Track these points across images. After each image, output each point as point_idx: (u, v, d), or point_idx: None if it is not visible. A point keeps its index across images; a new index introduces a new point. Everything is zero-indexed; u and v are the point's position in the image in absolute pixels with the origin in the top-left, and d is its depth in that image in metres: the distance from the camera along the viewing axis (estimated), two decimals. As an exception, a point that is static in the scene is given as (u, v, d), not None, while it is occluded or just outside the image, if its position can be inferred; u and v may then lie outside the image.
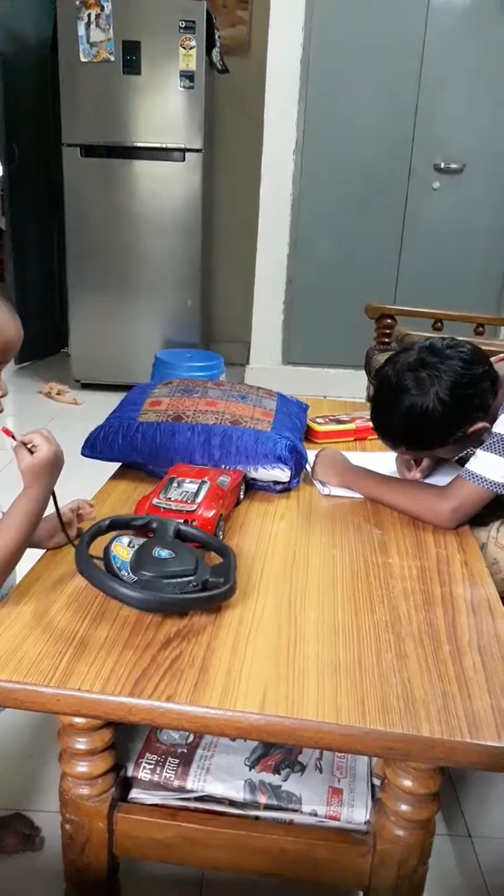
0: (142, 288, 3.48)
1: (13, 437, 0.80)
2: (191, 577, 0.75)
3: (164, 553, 0.78)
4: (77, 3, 3.06)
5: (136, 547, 0.80)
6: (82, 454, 1.18)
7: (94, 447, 1.19)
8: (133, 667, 0.68)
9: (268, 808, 0.82)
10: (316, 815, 0.81)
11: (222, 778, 0.84)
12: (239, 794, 0.82)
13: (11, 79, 3.63)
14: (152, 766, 0.85)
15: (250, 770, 0.85)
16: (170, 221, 3.38)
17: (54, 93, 3.33)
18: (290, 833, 0.79)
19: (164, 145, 3.25)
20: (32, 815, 1.13)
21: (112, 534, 0.85)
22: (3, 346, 0.78)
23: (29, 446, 0.80)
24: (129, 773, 0.85)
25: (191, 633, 0.74)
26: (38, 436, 0.80)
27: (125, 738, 0.87)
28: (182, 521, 0.91)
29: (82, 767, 0.78)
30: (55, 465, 0.81)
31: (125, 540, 0.82)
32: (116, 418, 1.24)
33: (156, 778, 0.84)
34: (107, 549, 0.80)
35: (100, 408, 3.37)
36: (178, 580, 0.75)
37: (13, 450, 0.80)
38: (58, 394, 3.38)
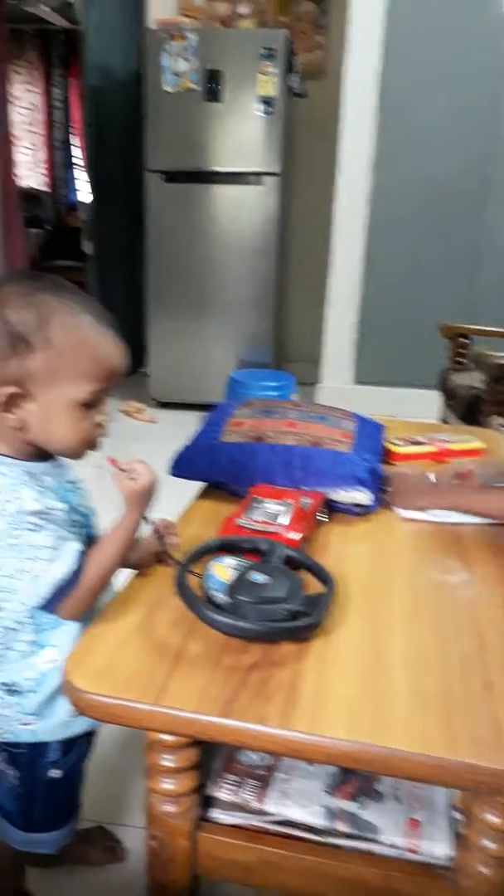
0: (217, 309, 3.55)
1: (116, 465, 0.83)
2: (281, 606, 0.75)
3: (261, 578, 0.78)
4: (163, 36, 3.17)
5: (239, 569, 0.81)
6: (170, 474, 1.21)
7: (181, 467, 1.21)
8: (224, 687, 0.69)
9: (346, 836, 0.82)
10: (395, 846, 0.80)
11: (301, 803, 0.84)
12: (318, 820, 0.82)
13: (100, 110, 3.80)
14: (231, 787, 0.86)
15: (328, 796, 0.85)
16: (246, 244, 3.44)
17: (138, 122, 3.46)
18: (371, 864, 0.78)
19: (243, 170, 3.31)
20: (113, 829, 1.16)
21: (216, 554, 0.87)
22: (109, 374, 0.80)
23: (129, 475, 0.83)
24: (209, 792, 0.86)
25: (278, 656, 0.74)
26: (139, 465, 0.83)
27: (204, 757, 0.88)
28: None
29: (169, 785, 0.79)
30: (151, 493, 0.84)
31: (229, 561, 0.83)
32: (200, 438, 1.26)
33: (235, 799, 0.85)
34: (206, 569, 0.82)
35: (176, 426, 3.47)
36: (268, 607, 0.75)
37: (113, 477, 0.83)
38: (136, 412, 3.47)
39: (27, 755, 0.88)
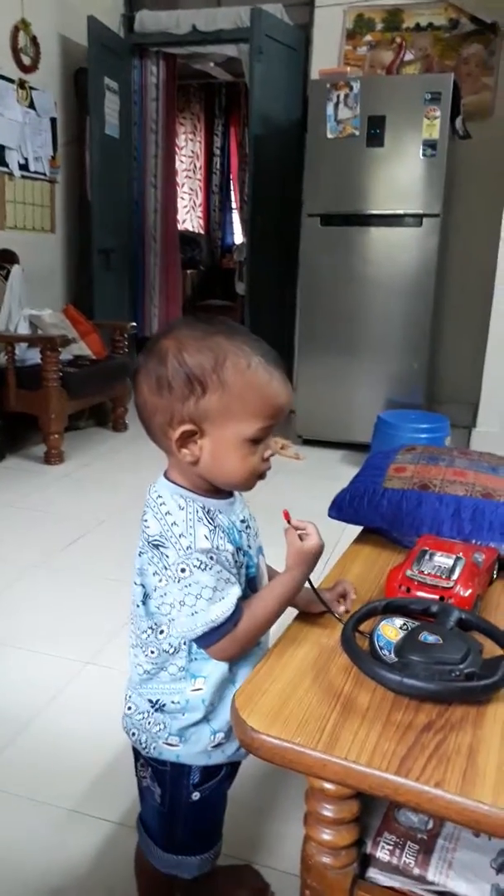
0: (368, 349, 3.55)
1: (289, 520, 0.86)
2: (455, 666, 0.72)
3: (432, 639, 0.76)
4: (328, 86, 3.27)
5: (409, 629, 0.80)
6: (329, 516, 1.21)
7: (341, 509, 1.21)
8: (398, 744, 0.68)
9: (516, 920, 0.76)
10: None
11: (466, 876, 0.79)
12: (485, 897, 0.77)
13: (261, 158, 3.96)
14: (391, 848, 0.83)
15: (497, 874, 0.80)
16: (401, 285, 3.43)
17: (298, 168, 3.57)
18: None
19: (402, 212, 3.32)
20: (261, 870, 1.15)
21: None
22: (276, 412, 0.82)
23: (300, 532, 0.85)
24: (367, 850, 0.83)
25: (454, 719, 0.72)
26: (311, 526, 0.86)
27: (363, 812, 0.86)
28: (439, 597, 0.89)
29: (327, 836, 0.78)
30: (318, 556, 0.86)
31: (398, 622, 0.82)
32: (361, 482, 1.26)
33: (395, 861, 0.81)
34: (374, 628, 0.81)
35: (320, 463, 3.49)
36: (440, 667, 0.73)
37: (285, 532, 0.86)
38: (282, 448, 3.52)
39: (170, 774, 0.90)
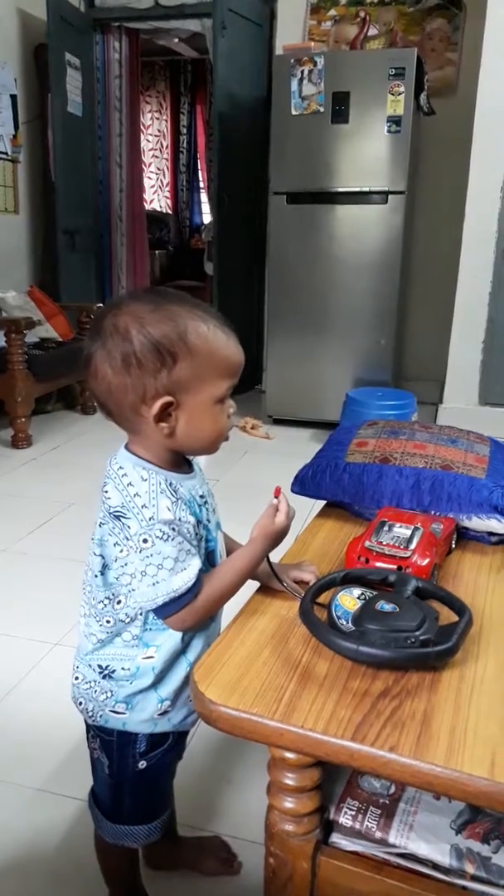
0: (336, 328, 3.55)
1: (277, 497, 0.88)
2: (410, 634, 0.73)
3: (388, 607, 0.77)
4: (292, 61, 3.23)
5: (366, 599, 0.80)
6: (292, 491, 1.21)
7: (304, 484, 1.22)
8: (353, 711, 0.68)
9: (474, 878, 0.78)
10: (531, 897, 0.75)
11: (427, 838, 0.81)
12: (445, 858, 0.78)
13: (226, 136, 3.92)
14: (353, 813, 0.84)
15: (456, 834, 0.81)
16: (368, 262, 3.43)
17: (264, 146, 3.54)
18: (502, 911, 0.74)
19: (367, 189, 3.31)
20: (227, 840, 1.16)
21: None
22: (236, 370, 0.85)
23: (277, 511, 0.87)
24: (330, 816, 0.84)
25: (409, 686, 0.73)
26: (289, 509, 0.88)
27: (326, 780, 0.87)
28: (397, 567, 0.90)
29: (290, 804, 0.79)
30: (282, 536, 0.88)
31: (356, 592, 0.82)
32: (323, 457, 1.26)
33: (357, 825, 0.83)
34: (332, 599, 0.82)
35: (290, 442, 3.50)
36: (397, 635, 0.74)
37: (269, 506, 0.88)
38: (252, 428, 3.52)
39: (117, 743, 0.91)
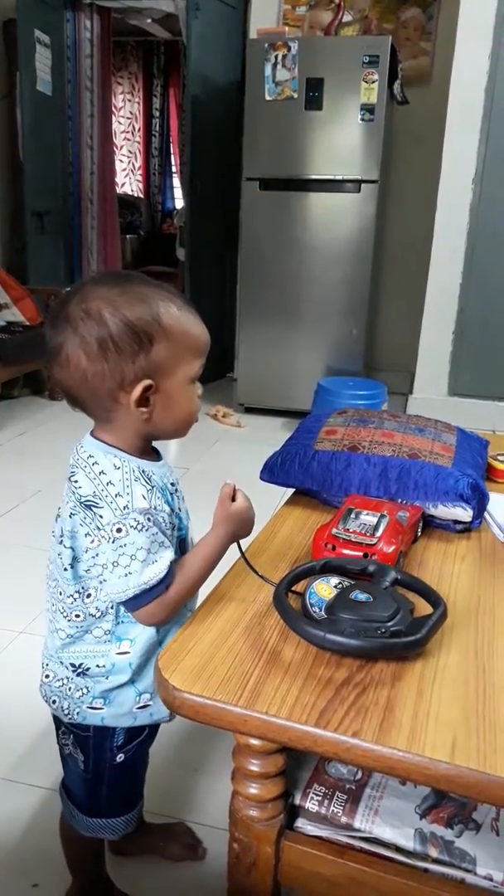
0: (308, 317, 3.55)
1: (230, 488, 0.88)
2: (382, 624, 0.73)
3: (363, 597, 0.77)
4: (266, 46, 3.20)
5: (342, 588, 0.80)
6: (260, 478, 1.21)
7: (272, 472, 1.21)
8: (318, 697, 0.69)
9: (437, 861, 0.79)
10: (491, 879, 0.77)
11: (391, 822, 0.82)
12: (409, 842, 0.80)
13: (199, 120, 3.87)
14: (320, 798, 0.85)
15: (420, 819, 0.82)
16: (341, 251, 3.42)
17: (237, 131, 3.51)
18: (463, 893, 0.75)
19: (341, 177, 3.30)
20: (193, 826, 1.17)
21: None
22: (205, 348, 0.84)
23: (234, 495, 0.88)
24: (297, 801, 0.85)
25: (374, 672, 0.73)
26: (241, 492, 0.89)
27: (293, 766, 0.87)
28: (362, 554, 0.90)
29: (254, 789, 0.79)
30: (246, 519, 0.88)
31: (333, 581, 0.82)
32: (292, 445, 1.26)
33: (323, 811, 0.83)
34: (308, 586, 0.81)
35: (261, 431, 3.50)
36: (368, 624, 0.74)
37: (221, 493, 0.88)
38: (223, 416, 3.51)
39: (94, 739, 0.90)
